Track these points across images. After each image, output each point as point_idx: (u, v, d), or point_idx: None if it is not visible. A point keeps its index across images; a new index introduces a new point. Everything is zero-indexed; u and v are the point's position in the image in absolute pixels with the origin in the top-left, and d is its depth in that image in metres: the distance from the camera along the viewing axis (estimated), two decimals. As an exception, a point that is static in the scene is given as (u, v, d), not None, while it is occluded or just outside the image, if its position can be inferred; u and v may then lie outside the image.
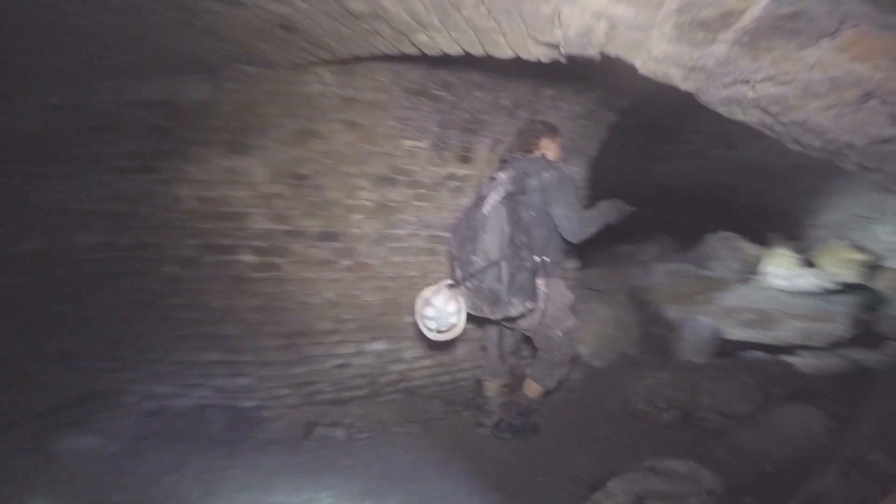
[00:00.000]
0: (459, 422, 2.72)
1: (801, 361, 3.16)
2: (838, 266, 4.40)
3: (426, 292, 2.18)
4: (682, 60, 1.04)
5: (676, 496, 1.68)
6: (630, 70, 1.22)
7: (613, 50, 1.18)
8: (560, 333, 2.33)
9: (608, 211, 2.30)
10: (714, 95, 1.16)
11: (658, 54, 1.07)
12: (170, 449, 2.27)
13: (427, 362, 3.14)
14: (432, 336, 2.16)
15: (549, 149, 2.38)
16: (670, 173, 5.86)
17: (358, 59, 2.23)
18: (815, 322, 3.28)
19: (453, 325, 2.13)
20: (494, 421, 2.53)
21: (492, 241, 1.98)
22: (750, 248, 4.62)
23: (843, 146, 1.10)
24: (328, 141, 2.68)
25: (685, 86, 1.17)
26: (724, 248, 4.66)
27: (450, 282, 2.13)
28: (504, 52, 1.53)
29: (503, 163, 2.35)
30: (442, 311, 2.09)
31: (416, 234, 3.01)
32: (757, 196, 5.90)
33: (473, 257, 2.01)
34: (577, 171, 3.48)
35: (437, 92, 2.68)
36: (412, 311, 3.01)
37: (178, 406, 2.59)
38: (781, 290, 3.64)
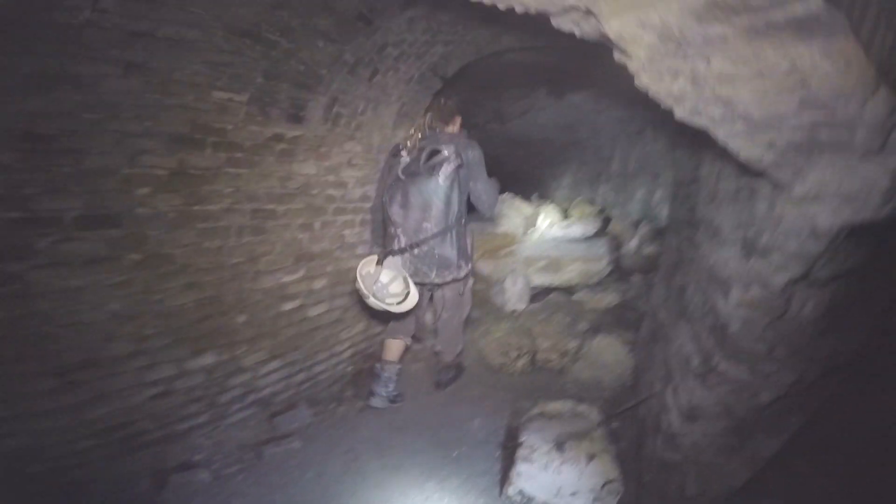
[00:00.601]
0: (340, 419, 2.42)
1: (586, 297, 4.01)
2: (582, 217, 5.74)
3: (366, 268, 2.17)
4: (672, 31, 1.07)
5: (583, 433, 1.90)
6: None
7: (605, 7, 1.11)
8: (468, 291, 2.58)
9: (497, 186, 2.50)
10: (660, 65, 1.25)
11: (655, 21, 1.06)
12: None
13: (275, 364, 2.64)
14: (393, 308, 2.15)
15: (458, 126, 2.50)
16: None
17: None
18: (588, 263, 4.20)
19: (405, 294, 2.15)
20: (391, 394, 2.50)
21: (444, 210, 2.10)
22: (526, 207, 5.49)
23: (740, 115, 1.33)
24: (93, 89, 1.82)
25: (640, 52, 1.22)
26: (508, 207, 5.39)
27: (382, 252, 2.19)
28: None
29: (437, 133, 2.32)
30: (379, 282, 2.13)
31: (235, 208, 2.40)
32: (520, 163, 7.06)
33: (426, 224, 2.09)
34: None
35: (271, 36, 2.12)
36: (243, 308, 2.50)
37: None
38: (559, 239, 4.50)
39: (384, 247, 2.24)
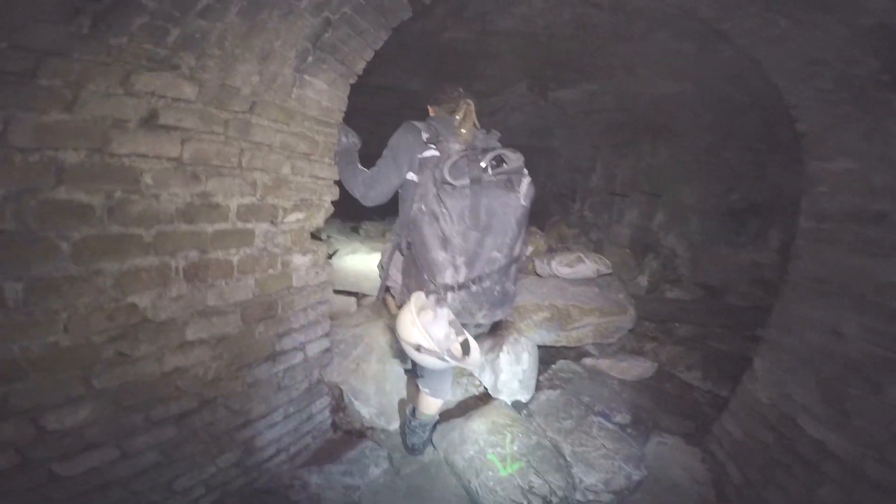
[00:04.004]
0: None
1: (606, 364, 2.62)
2: (557, 240, 4.46)
3: (423, 314, 1.42)
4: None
5: None
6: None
7: None
8: None
9: None
10: None
11: None
12: None
13: None
14: (466, 364, 1.52)
15: None
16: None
17: None
18: (607, 316, 2.82)
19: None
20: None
21: (517, 236, 1.50)
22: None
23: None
24: None
25: None
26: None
27: (442, 287, 1.46)
28: None
29: (482, 131, 1.63)
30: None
31: None
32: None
33: (495, 253, 1.46)
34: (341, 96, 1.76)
35: None
36: None
37: None
38: (566, 280, 3.08)
39: (428, 280, 1.48)
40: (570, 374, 2.48)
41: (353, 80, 1.73)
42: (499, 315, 1.59)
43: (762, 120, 3.37)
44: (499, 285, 1.51)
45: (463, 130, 1.54)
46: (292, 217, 1.54)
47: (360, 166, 1.70)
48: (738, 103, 3.51)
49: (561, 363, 2.61)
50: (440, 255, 1.44)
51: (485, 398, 2.30)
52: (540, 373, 2.48)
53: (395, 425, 2.10)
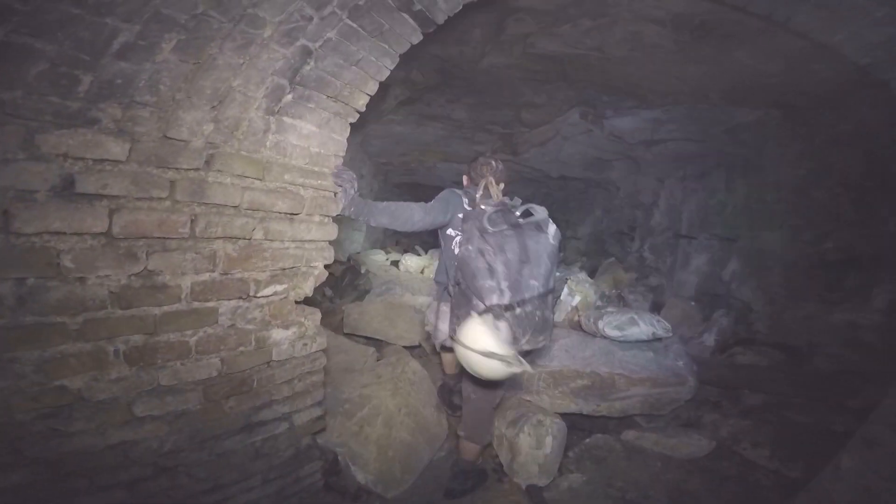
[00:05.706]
0: None
1: (651, 440, 2.22)
2: (611, 286, 4.03)
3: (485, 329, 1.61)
4: None
5: None
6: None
7: None
8: None
9: None
10: None
11: None
12: None
13: None
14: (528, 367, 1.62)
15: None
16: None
17: None
18: (659, 387, 2.41)
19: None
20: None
21: (550, 269, 1.80)
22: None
23: None
24: None
25: None
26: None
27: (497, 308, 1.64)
28: None
29: (514, 200, 1.97)
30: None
31: None
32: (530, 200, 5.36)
33: (533, 282, 1.73)
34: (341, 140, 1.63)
35: None
36: None
37: None
38: (614, 342, 2.69)
39: (478, 303, 1.70)
40: (604, 453, 2.12)
41: (353, 119, 1.58)
42: (541, 342, 1.76)
43: (868, 153, 2.79)
44: (539, 311, 1.73)
45: (489, 200, 1.89)
46: (269, 290, 1.38)
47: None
48: (837, 133, 2.95)
49: (597, 438, 2.25)
50: (487, 282, 1.67)
51: (498, 472, 2.03)
52: (569, 447, 2.15)
53: (393, 493, 1.90)
